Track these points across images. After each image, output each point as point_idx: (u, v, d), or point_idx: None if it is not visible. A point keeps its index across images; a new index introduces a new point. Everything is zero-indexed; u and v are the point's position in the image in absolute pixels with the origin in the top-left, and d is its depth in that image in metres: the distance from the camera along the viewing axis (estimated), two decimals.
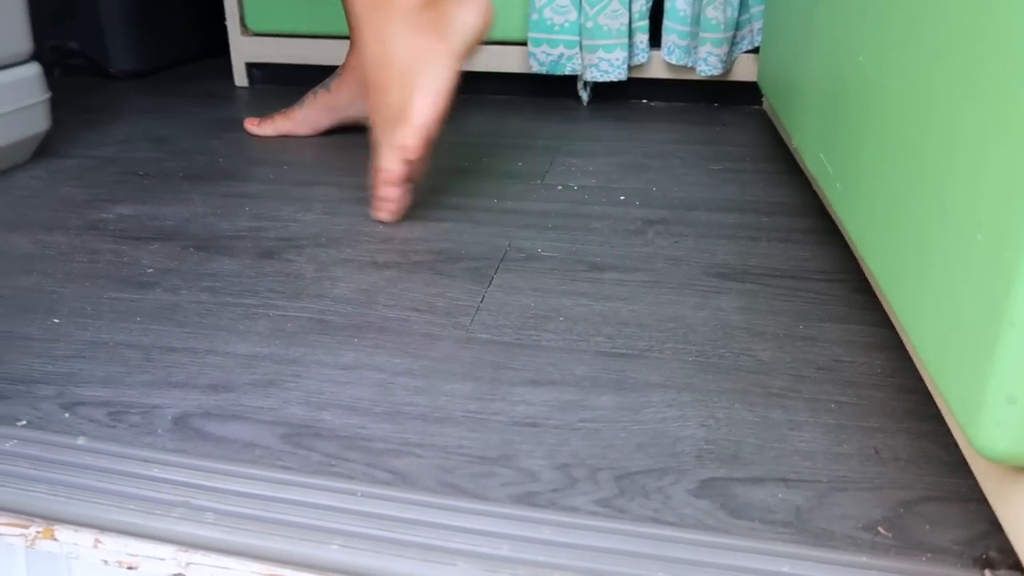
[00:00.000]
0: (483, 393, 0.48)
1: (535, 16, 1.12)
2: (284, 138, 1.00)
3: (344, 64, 0.94)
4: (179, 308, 0.57)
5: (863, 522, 0.38)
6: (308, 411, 0.46)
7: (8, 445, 0.42)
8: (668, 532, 0.38)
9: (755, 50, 1.12)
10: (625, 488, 0.41)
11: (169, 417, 0.45)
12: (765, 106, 1.08)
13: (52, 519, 0.39)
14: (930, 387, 0.45)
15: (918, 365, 0.48)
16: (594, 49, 1.11)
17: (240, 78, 1.29)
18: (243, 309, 0.57)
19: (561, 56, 1.14)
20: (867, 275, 0.60)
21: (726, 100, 1.18)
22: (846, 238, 0.65)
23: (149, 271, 0.63)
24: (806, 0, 0.70)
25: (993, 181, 0.31)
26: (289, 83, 1.30)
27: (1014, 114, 0.30)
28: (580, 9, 1.11)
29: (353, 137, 1.00)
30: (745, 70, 1.12)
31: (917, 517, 0.39)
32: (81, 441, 0.43)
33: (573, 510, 0.39)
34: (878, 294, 0.57)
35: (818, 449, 0.43)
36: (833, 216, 0.68)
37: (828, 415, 0.46)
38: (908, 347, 0.49)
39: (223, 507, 0.39)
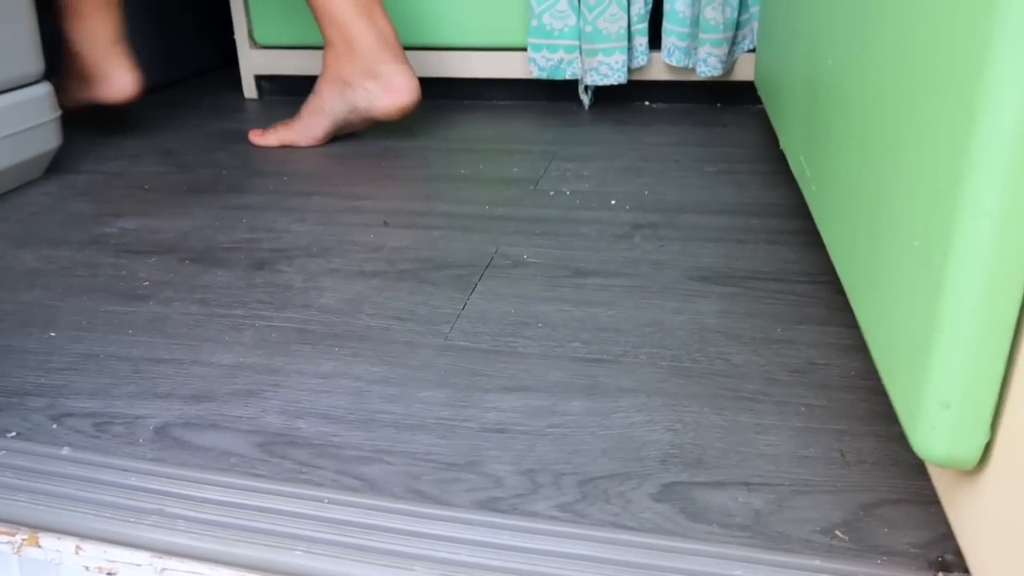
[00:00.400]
0: (456, 400, 0.49)
1: (534, 22, 1.13)
2: (287, 149, 1.02)
3: (323, 63, 0.97)
4: (170, 320, 0.59)
5: (821, 525, 0.39)
6: (284, 420, 0.47)
7: None
8: (625, 536, 0.38)
9: (755, 50, 1.11)
10: (587, 493, 0.41)
11: (151, 427, 0.47)
12: (764, 105, 1.08)
13: (36, 527, 0.41)
14: None
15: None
16: (593, 53, 1.12)
17: (249, 90, 1.32)
18: (231, 320, 0.59)
19: (561, 61, 1.14)
20: None
21: (728, 100, 1.17)
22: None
23: (145, 284, 0.65)
24: (791, 1, 0.70)
25: (926, 187, 0.31)
26: (297, 94, 1.32)
27: (943, 122, 0.30)
28: (579, 14, 1.11)
29: (352, 147, 1.01)
30: (746, 70, 1.12)
31: (876, 520, 0.39)
32: (65, 451, 0.45)
33: (533, 515, 0.40)
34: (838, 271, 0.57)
35: (783, 452, 0.44)
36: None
37: (797, 418, 0.46)
38: None
39: (194, 514, 0.40)
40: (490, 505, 0.41)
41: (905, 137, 0.35)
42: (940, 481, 0.37)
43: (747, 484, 0.41)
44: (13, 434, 0.46)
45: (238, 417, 0.48)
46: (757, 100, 1.16)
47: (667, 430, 0.46)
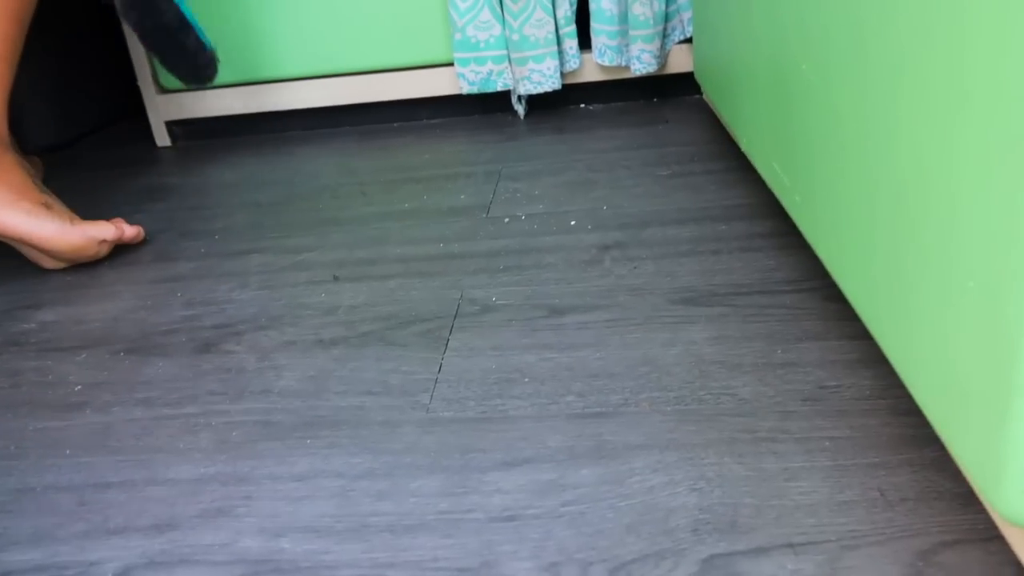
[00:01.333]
0: (453, 486, 0.44)
1: (458, 36, 1.08)
2: (214, 201, 0.95)
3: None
4: (112, 430, 0.53)
5: None
6: (264, 541, 0.42)
7: None
8: None
9: (688, 40, 1.09)
10: None
11: (110, 575, 0.41)
12: (705, 96, 1.05)
13: None
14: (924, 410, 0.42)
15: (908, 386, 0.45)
16: (524, 61, 1.07)
17: (161, 138, 1.23)
18: (182, 421, 0.53)
19: (491, 73, 1.10)
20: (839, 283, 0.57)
21: (665, 94, 1.15)
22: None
23: (77, 388, 0.58)
24: None
25: (979, 216, 0.28)
26: (213, 136, 1.24)
27: (997, 128, 0.26)
28: (504, 22, 1.07)
29: (283, 190, 0.95)
30: (680, 61, 1.09)
31: (936, 570, 0.36)
32: None
33: None
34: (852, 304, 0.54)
35: (820, 500, 0.40)
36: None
37: (824, 456, 0.43)
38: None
39: None
40: None
41: (935, 153, 0.31)
42: (1006, 523, 0.33)
43: (792, 546, 0.38)
44: None
45: (210, 546, 0.42)
46: (694, 91, 1.13)
47: (691, 491, 0.42)
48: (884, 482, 0.41)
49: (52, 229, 0.75)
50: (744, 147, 0.69)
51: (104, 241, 0.79)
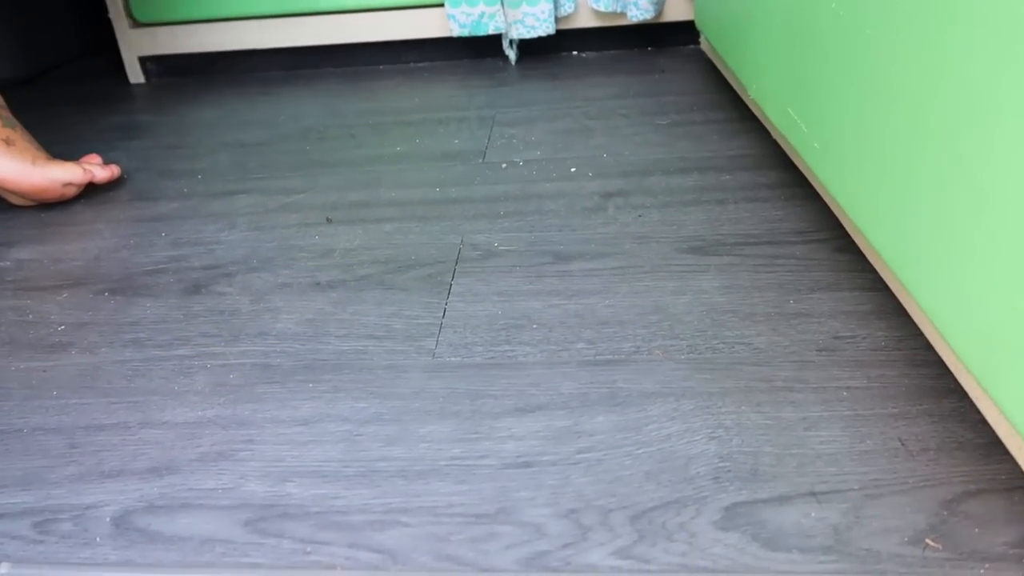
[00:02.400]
0: (465, 432, 0.43)
1: None
2: (193, 140, 0.91)
3: None
4: (101, 371, 0.50)
5: (908, 534, 0.35)
6: (270, 485, 0.40)
7: None
8: None
9: None
10: (644, 531, 0.36)
11: (107, 518, 0.39)
12: (703, 46, 1.03)
13: None
14: (947, 361, 0.42)
15: (928, 335, 0.44)
16: (517, 4, 1.04)
17: (134, 75, 1.18)
18: (176, 363, 0.50)
19: (482, 15, 1.06)
20: (851, 234, 0.56)
21: (661, 43, 1.12)
22: (823, 195, 0.61)
23: (60, 328, 0.55)
24: None
25: None
26: (191, 74, 1.19)
27: None
28: None
29: (266, 131, 0.91)
30: (677, 10, 1.07)
31: (963, 519, 0.35)
32: (4, 570, 0.36)
33: (592, 569, 0.35)
34: (867, 254, 0.54)
35: (840, 450, 0.40)
36: (803, 170, 0.64)
37: (842, 405, 0.42)
38: (925, 328, 0.45)
39: None
40: (538, 562, 0.35)
41: (984, 91, 0.30)
42: None
43: (814, 494, 0.37)
44: None
45: (212, 490, 0.40)
46: (690, 40, 1.11)
47: (709, 439, 0.41)
48: (904, 432, 0.40)
49: (9, 168, 0.71)
50: (752, 94, 0.67)
51: (70, 184, 0.75)
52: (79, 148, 0.91)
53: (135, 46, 1.15)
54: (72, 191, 0.76)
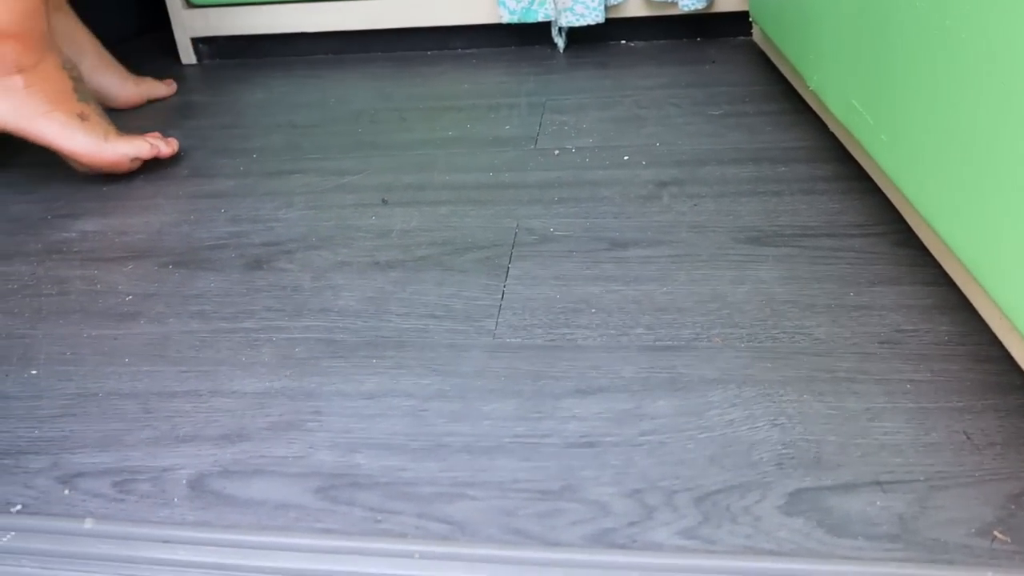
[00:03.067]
0: (528, 411, 0.43)
1: None
2: (246, 121, 0.92)
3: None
4: (170, 341, 0.52)
5: (975, 526, 0.35)
6: (339, 455, 0.41)
7: (6, 540, 0.37)
8: (769, 564, 0.34)
9: None
10: (708, 513, 0.37)
11: (184, 481, 0.40)
12: (756, 37, 1.02)
13: None
14: (1016, 356, 0.42)
15: (996, 330, 0.44)
16: None
17: (187, 55, 1.20)
18: (242, 335, 0.52)
19: (532, 2, 1.06)
20: (913, 228, 0.56)
21: (710, 34, 1.11)
22: (881, 186, 0.61)
23: (128, 299, 0.57)
24: None
25: None
26: (240, 56, 1.21)
27: None
28: None
29: (318, 112, 0.92)
30: (728, 0, 1.06)
31: None
32: (89, 525, 0.38)
33: (657, 547, 0.35)
34: (930, 247, 0.53)
35: (905, 441, 0.40)
36: (863, 163, 0.63)
37: (905, 398, 0.42)
38: (992, 322, 0.45)
39: None
40: (604, 539, 0.36)
41: None
42: None
43: (879, 484, 0.37)
44: (18, 507, 0.39)
45: (283, 458, 0.41)
46: (741, 31, 1.10)
47: (772, 426, 0.41)
48: (970, 426, 0.40)
49: (83, 143, 0.73)
50: (812, 86, 0.67)
51: (137, 158, 0.77)
52: (132, 125, 0.93)
53: (188, 27, 1.17)
54: (137, 164, 0.78)
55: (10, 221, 0.71)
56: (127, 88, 0.97)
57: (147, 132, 0.82)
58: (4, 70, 0.70)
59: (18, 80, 0.70)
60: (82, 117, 0.74)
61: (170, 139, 0.81)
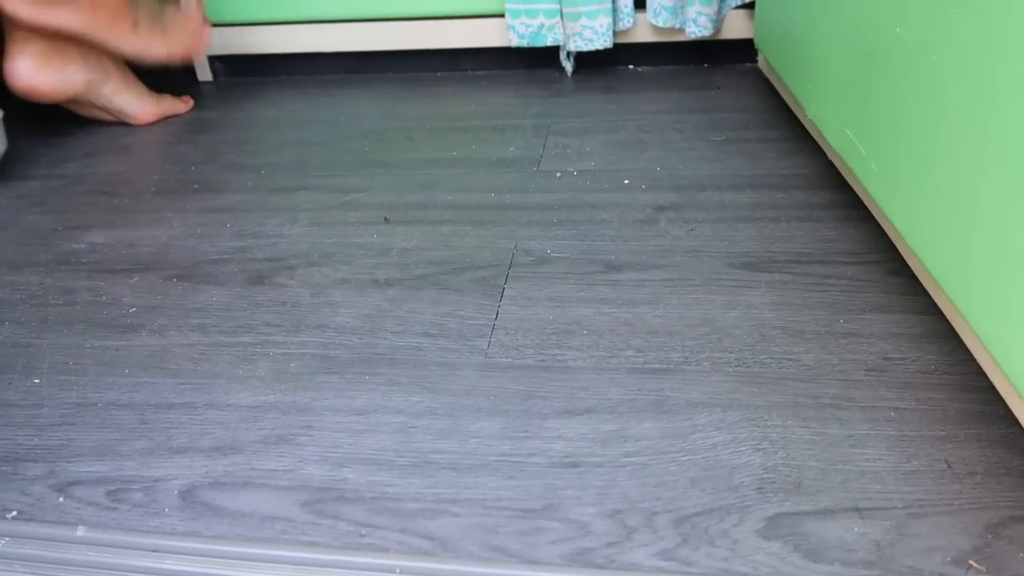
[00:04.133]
0: (515, 430, 0.44)
1: None
2: (257, 137, 0.94)
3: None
4: (170, 353, 0.53)
5: (951, 554, 0.35)
6: (327, 470, 0.42)
7: (0, 545, 0.38)
8: None
9: (746, 5, 1.07)
10: (687, 535, 0.37)
11: (175, 491, 0.41)
12: (760, 64, 1.03)
13: None
14: (999, 387, 0.42)
15: (980, 360, 0.45)
16: (576, 17, 1.05)
17: (203, 73, 1.22)
18: (240, 349, 0.53)
19: (541, 27, 1.08)
20: (904, 257, 0.57)
21: (717, 60, 1.13)
22: (876, 215, 0.61)
23: (132, 310, 0.58)
24: None
25: None
26: (255, 74, 1.23)
27: None
28: None
29: (327, 130, 0.94)
30: (736, 27, 1.07)
31: (1007, 543, 0.36)
32: (81, 532, 0.39)
33: (635, 568, 0.36)
34: (920, 277, 0.54)
35: (886, 468, 0.40)
36: (858, 191, 0.64)
37: (889, 426, 0.43)
38: (977, 353, 0.45)
39: None
40: (582, 559, 0.36)
41: None
42: None
43: (858, 510, 0.38)
44: (14, 513, 0.40)
45: (273, 471, 0.42)
46: (747, 58, 1.11)
47: (755, 450, 0.42)
48: (951, 455, 0.41)
49: (132, 48, 0.93)
50: (810, 114, 0.68)
51: (163, 57, 0.97)
52: (150, 138, 0.95)
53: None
54: (172, 58, 0.98)
55: (23, 231, 0.73)
56: (147, 107, 1.02)
57: (163, 145, 0.85)
58: None
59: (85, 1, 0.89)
60: (135, 25, 0.92)
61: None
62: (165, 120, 1.03)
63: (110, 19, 0.90)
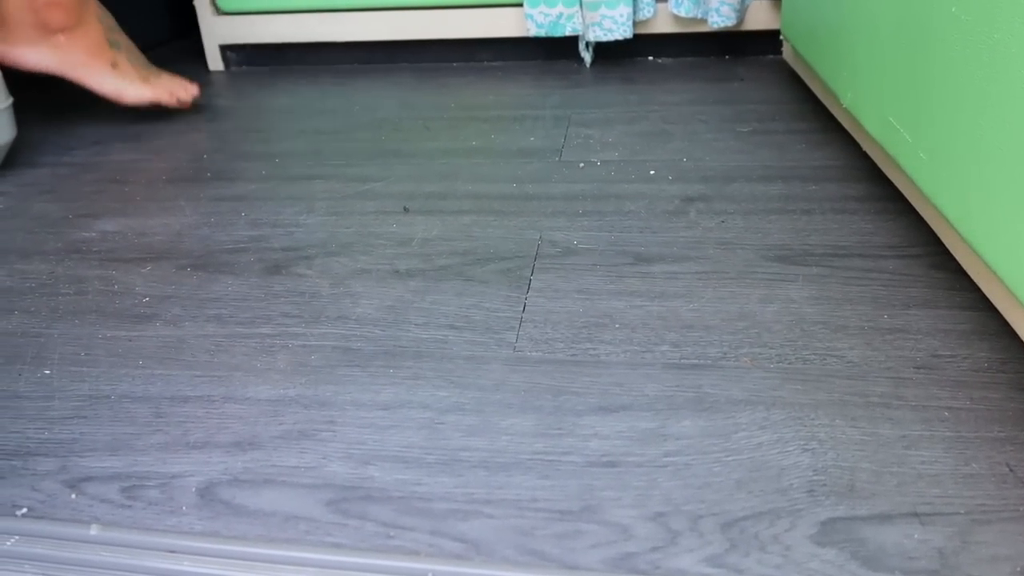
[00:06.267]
0: (547, 427, 0.42)
1: None
2: (270, 126, 0.92)
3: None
4: (185, 344, 0.51)
5: (1021, 564, 0.33)
6: (352, 467, 0.40)
7: (9, 544, 0.36)
8: None
9: None
10: (735, 540, 0.35)
11: (193, 488, 0.39)
12: (786, 56, 1.01)
13: None
14: None
15: None
16: (596, 6, 1.03)
17: (214, 62, 1.20)
18: (257, 341, 0.51)
19: (560, 16, 1.06)
20: (950, 249, 0.54)
21: (739, 52, 1.10)
22: (917, 207, 0.59)
23: (145, 300, 0.56)
24: None
25: None
26: (268, 64, 1.21)
27: None
28: None
29: (342, 119, 0.92)
30: (760, 18, 1.05)
31: None
32: (94, 531, 0.37)
33: (682, 574, 0.34)
34: (968, 271, 0.51)
35: (944, 471, 0.38)
36: (897, 183, 0.62)
37: (943, 426, 0.41)
38: None
39: None
40: (625, 564, 0.34)
41: None
42: None
43: (917, 515, 0.36)
44: (24, 510, 0.38)
45: (295, 468, 0.40)
46: (771, 50, 1.09)
47: (803, 451, 0.40)
48: (1012, 457, 0.38)
49: (111, 88, 0.91)
50: (846, 103, 0.66)
51: (156, 102, 0.94)
52: (162, 126, 0.93)
53: (217, 34, 1.18)
54: (169, 103, 0.95)
55: (32, 219, 0.71)
56: (127, 89, 0.94)
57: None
58: (51, 31, 0.86)
59: (61, 38, 0.87)
60: (113, 65, 0.90)
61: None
62: (174, 110, 1.01)
63: (86, 58, 0.89)
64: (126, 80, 0.91)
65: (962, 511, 0.36)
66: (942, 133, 0.46)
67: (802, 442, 0.40)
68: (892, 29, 0.54)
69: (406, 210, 0.68)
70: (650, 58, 1.12)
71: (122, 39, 0.92)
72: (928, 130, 0.48)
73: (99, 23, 0.90)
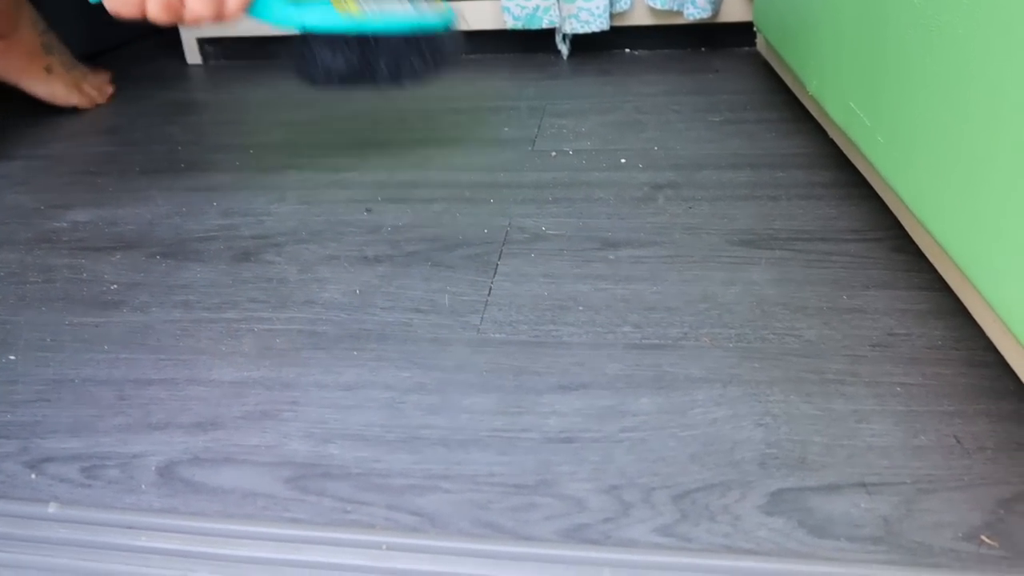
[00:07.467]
0: (508, 406, 0.43)
1: None
2: (247, 118, 0.92)
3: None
4: (151, 330, 0.51)
5: (962, 530, 0.34)
6: (312, 445, 0.40)
7: None
8: (747, 563, 0.33)
9: None
10: (687, 510, 0.36)
11: (152, 467, 0.39)
12: (759, 47, 1.02)
13: None
14: (1011, 362, 0.41)
15: (991, 334, 0.43)
16: None
17: (192, 55, 1.20)
18: (223, 325, 0.51)
19: (537, 8, 1.06)
20: (909, 233, 0.55)
21: (715, 44, 1.11)
22: (879, 192, 0.60)
23: (113, 287, 0.56)
24: None
25: None
26: (246, 57, 1.21)
27: None
28: None
29: (319, 111, 0.92)
30: (735, 10, 1.06)
31: (1020, 518, 0.34)
32: (53, 509, 0.37)
33: (632, 544, 0.34)
34: (926, 253, 0.52)
35: (893, 444, 0.39)
36: (862, 168, 0.62)
37: (895, 401, 0.41)
38: (988, 327, 0.44)
39: None
40: (578, 534, 0.35)
41: None
42: None
43: (864, 485, 0.36)
44: None
45: (256, 447, 0.40)
46: (746, 42, 1.10)
47: (756, 425, 0.40)
48: (960, 430, 0.39)
49: (45, 93, 0.95)
50: (812, 91, 0.66)
51: (80, 106, 0.98)
52: (138, 120, 0.93)
53: (194, 27, 1.17)
54: (91, 104, 0.99)
55: (3, 211, 0.71)
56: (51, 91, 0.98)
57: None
58: None
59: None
60: (47, 70, 0.94)
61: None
62: (145, 100, 1.01)
63: (23, 63, 0.92)
64: (59, 84, 0.96)
65: (908, 481, 0.36)
66: (897, 116, 0.47)
67: (756, 417, 0.41)
68: (854, 13, 0.54)
69: (368, 212, 0.68)
70: (627, 50, 1.13)
71: (54, 42, 0.95)
72: (885, 114, 0.49)
73: (34, 28, 0.92)
